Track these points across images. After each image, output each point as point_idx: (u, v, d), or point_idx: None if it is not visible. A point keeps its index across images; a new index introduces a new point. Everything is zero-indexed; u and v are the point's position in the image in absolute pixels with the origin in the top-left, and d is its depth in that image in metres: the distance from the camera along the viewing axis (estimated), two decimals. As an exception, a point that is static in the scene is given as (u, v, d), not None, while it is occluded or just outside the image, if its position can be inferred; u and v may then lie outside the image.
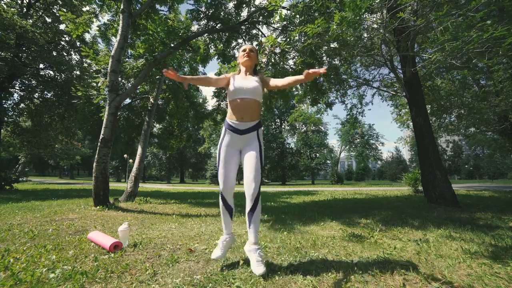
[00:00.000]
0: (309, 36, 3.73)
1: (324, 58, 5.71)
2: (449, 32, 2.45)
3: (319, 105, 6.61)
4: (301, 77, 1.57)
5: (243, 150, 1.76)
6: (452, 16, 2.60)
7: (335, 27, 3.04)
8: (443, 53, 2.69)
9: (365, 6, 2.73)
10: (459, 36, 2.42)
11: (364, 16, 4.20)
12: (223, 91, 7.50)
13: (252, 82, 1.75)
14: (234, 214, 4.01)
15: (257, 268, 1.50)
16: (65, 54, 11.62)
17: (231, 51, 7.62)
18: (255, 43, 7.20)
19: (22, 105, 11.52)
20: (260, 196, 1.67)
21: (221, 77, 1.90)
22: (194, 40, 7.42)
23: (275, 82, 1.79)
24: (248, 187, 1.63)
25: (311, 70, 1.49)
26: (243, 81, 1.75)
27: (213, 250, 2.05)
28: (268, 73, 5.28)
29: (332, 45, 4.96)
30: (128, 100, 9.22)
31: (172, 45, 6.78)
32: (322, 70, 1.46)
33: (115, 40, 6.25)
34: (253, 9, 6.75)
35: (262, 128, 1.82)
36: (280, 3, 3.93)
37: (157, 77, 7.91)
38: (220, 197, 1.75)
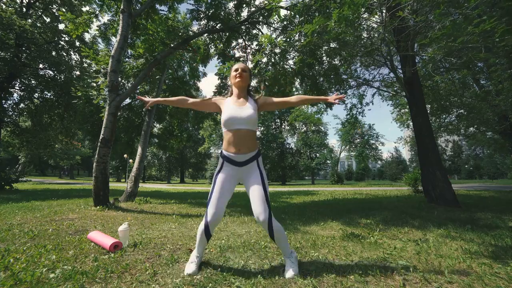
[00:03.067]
0: (307, 35, 3.73)
1: (324, 58, 5.71)
2: (447, 29, 2.45)
3: (319, 105, 6.61)
4: (322, 97, 1.73)
5: (245, 181, 1.67)
6: (450, 15, 2.60)
7: (333, 24, 3.04)
8: (441, 51, 2.70)
9: (361, 3, 2.72)
10: (456, 35, 2.42)
11: (364, 15, 4.20)
12: (224, 90, 7.49)
13: (247, 110, 1.62)
14: (234, 214, 4.02)
15: (286, 273, 1.56)
16: (64, 54, 11.62)
17: (231, 51, 7.62)
18: (255, 43, 7.20)
19: (22, 105, 11.51)
20: (273, 220, 1.57)
21: (205, 101, 1.79)
22: (194, 40, 7.42)
23: (285, 100, 1.72)
24: (258, 218, 1.54)
25: (335, 96, 1.66)
26: (237, 110, 1.62)
27: (212, 250, 2.05)
28: (268, 73, 5.28)
29: (332, 45, 4.96)
30: (128, 100, 9.23)
31: (172, 45, 6.78)
32: (341, 96, 1.66)
33: (115, 40, 6.26)
34: (253, 9, 6.75)
35: (260, 157, 1.72)
36: (278, 2, 3.93)
37: (157, 77, 7.91)
38: (203, 226, 1.57)
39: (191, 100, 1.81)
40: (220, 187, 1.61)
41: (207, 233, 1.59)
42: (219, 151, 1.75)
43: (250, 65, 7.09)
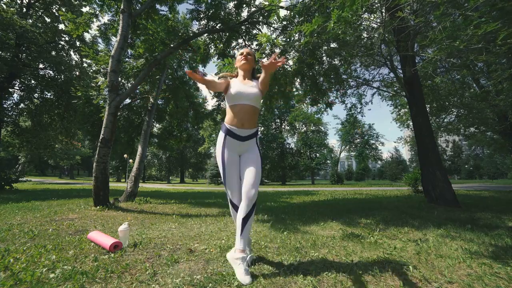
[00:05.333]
0: (306, 35, 3.72)
1: (324, 58, 5.70)
2: (447, 31, 2.45)
3: (319, 105, 6.61)
4: (262, 75, 1.65)
5: (243, 156, 1.74)
6: (450, 15, 2.60)
7: (332, 25, 3.03)
8: (441, 52, 2.69)
9: (358, 4, 2.71)
10: (457, 35, 2.42)
11: (364, 15, 4.20)
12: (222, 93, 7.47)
13: (252, 88, 1.73)
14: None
15: (244, 277, 1.42)
16: (64, 54, 11.62)
17: (231, 51, 7.61)
18: (255, 43, 7.19)
19: (22, 105, 11.51)
20: (256, 204, 1.65)
21: (221, 81, 1.82)
22: (194, 40, 7.42)
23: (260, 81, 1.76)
24: (247, 192, 1.58)
25: (267, 62, 1.51)
26: (243, 87, 1.72)
27: (212, 250, 2.05)
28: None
29: (331, 45, 4.95)
30: (128, 100, 9.23)
31: (172, 45, 6.78)
32: (276, 59, 1.48)
33: (115, 40, 6.25)
34: (253, 9, 6.75)
35: (259, 135, 1.81)
36: (277, 2, 3.92)
37: (157, 77, 7.91)
38: (230, 205, 1.69)
39: (217, 82, 1.75)
40: (228, 161, 1.69)
41: (237, 209, 1.64)
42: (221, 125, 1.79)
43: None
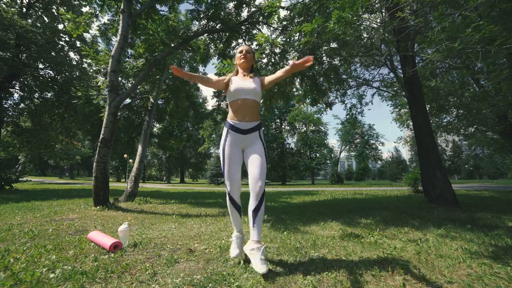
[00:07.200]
0: (306, 34, 3.72)
1: (324, 58, 5.70)
2: (446, 32, 2.45)
3: (319, 105, 6.61)
4: (287, 67, 1.66)
5: (246, 150, 1.79)
6: (450, 16, 2.60)
7: (332, 25, 3.03)
8: (440, 53, 2.69)
9: (357, 5, 2.71)
10: (456, 36, 2.42)
11: (364, 15, 4.20)
12: (223, 91, 7.48)
13: (251, 83, 1.79)
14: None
15: (261, 266, 1.45)
16: (64, 54, 11.62)
17: (231, 51, 7.62)
18: (255, 43, 7.19)
19: (22, 105, 11.51)
20: (265, 195, 1.69)
21: (220, 78, 1.90)
22: (194, 40, 7.43)
23: (268, 79, 1.83)
24: (254, 185, 1.64)
25: (297, 61, 1.58)
26: (243, 82, 1.78)
27: (212, 250, 2.05)
28: (266, 73, 5.26)
29: (331, 45, 4.95)
30: (128, 100, 9.24)
31: (172, 45, 6.78)
32: (308, 61, 1.55)
33: (115, 40, 6.25)
34: (253, 9, 6.75)
35: (263, 128, 1.85)
36: (277, 3, 3.91)
37: (157, 77, 7.91)
38: (227, 197, 1.75)
39: (215, 78, 1.86)
40: (230, 155, 1.73)
41: (234, 203, 1.72)
42: (225, 122, 1.89)
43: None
